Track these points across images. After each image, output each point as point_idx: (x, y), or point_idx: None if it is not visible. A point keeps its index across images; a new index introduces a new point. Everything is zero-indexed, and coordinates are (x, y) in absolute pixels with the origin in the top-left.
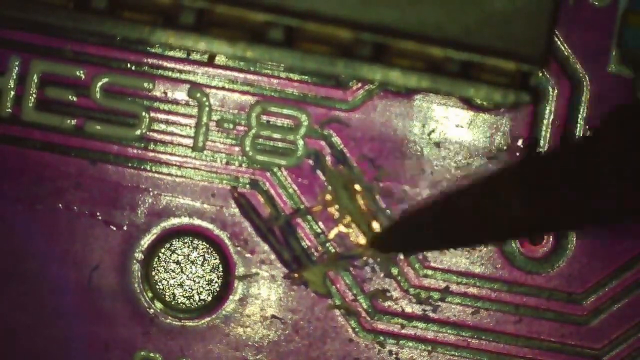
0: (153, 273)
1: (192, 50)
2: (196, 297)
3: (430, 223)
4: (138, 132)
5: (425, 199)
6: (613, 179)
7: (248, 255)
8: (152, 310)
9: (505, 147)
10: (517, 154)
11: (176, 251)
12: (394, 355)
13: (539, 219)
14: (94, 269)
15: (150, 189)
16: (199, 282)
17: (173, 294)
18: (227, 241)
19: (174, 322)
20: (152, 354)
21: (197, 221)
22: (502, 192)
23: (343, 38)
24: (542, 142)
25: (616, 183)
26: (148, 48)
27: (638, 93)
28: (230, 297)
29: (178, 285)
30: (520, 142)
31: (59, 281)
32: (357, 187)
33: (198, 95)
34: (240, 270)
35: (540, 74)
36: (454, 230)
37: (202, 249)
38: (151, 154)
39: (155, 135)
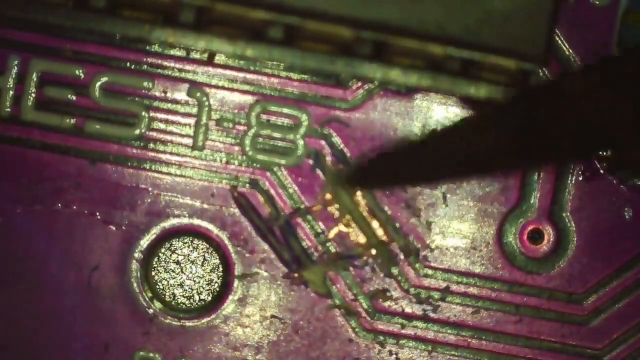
0: (153, 273)
1: (191, 49)
2: (196, 297)
3: (406, 158)
4: (137, 131)
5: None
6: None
7: (248, 255)
8: (151, 311)
9: None
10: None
11: (176, 251)
12: (394, 355)
13: (511, 154)
14: (93, 269)
15: (149, 189)
16: (199, 282)
17: (173, 294)
18: (226, 241)
19: (173, 322)
20: (151, 354)
21: (196, 221)
22: (475, 125)
23: (343, 36)
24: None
25: (583, 121)
26: (147, 47)
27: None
28: (230, 297)
29: (178, 285)
30: None
31: (58, 281)
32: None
33: (198, 94)
34: (239, 270)
35: (541, 73)
36: (429, 164)
37: (202, 249)
38: (151, 154)
39: (154, 134)
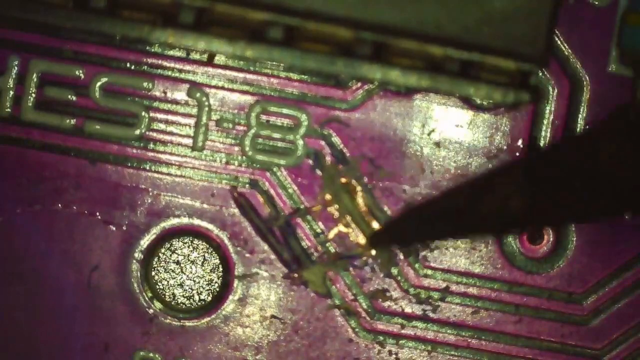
0: (153, 273)
1: (191, 50)
2: (196, 297)
3: (429, 218)
4: (137, 131)
5: (425, 195)
6: (611, 176)
7: (248, 255)
8: (151, 310)
9: (505, 147)
10: (517, 153)
11: (176, 251)
12: (394, 356)
13: (538, 214)
14: (93, 269)
15: (149, 189)
16: (199, 282)
17: (173, 294)
18: (226, 241)
19: (173, 322)
20: (151, 354)
21: (196, 221)
22: (501, 187)
23: (343, 37)
24: (541, 141)
25: (613, 180)
26: (147, 47)
27: (638, 93)
28: (230, 297)
29: (178, 285)
30: (520, 142)
31: (58, 281)
32: (357, 187)
33: (198, 94)
34: (239, 270)
35: (540, 74)
36: (453, 225)
37: (202, 249)
38: (151, 154)
39: (154, 135)
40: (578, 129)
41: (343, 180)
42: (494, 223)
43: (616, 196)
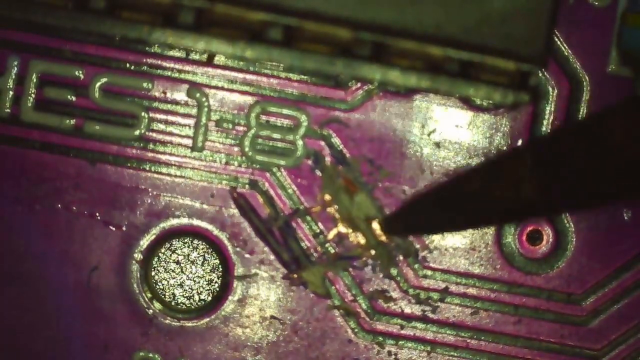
0: (153, 273)
1: (191, 50)
2: (196, 297)
3: (440, 205)
4: (137, 132)
5: (435, 182)
6: (621, 161)
7: (247, 255)
8: (151, 311)
9: (505, 148)
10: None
11: (176, 251)
12: (393, 356)
13: (550, 202)
14: (93, 270)
15: (149, 189)
16: (199, 282)
17: (173, 294)
18: (226, 241)
19: (172, 323)
20: (151, 355)
21: (196, 221)
22: (512, 173)
23: (342, 37)
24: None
25: (624, 165)
26: (147, 48)
27: (638, 92)
28: (230, 297)
29: (178, 285)
30: (519, 143)
31: (58, 281)
32: (357, 187)
33: (197, 95)
34: (239, 270)
35: (540, 74)
36: (463, 212)
37: (202, 249)
38: (150, 154)
39: (154, 135)
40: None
41: (343, 180)
42: (507, 209)
43: (628, 179)
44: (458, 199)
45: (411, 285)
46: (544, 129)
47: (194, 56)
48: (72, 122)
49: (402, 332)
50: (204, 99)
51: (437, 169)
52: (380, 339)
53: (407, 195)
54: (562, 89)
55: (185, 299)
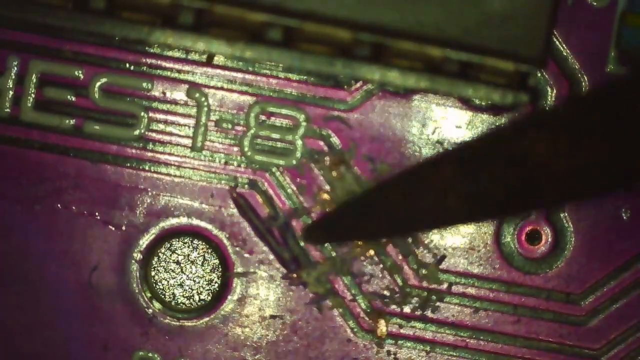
0: (153, 273)
1: (190, 50)
2: (196, 297)
3: (363, 214)
4: (137, 132)
5: (361, 191)
6: (542, 175)
7: (247, 255)
8: (150, 311)
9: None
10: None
11: (176, 251)
12: (393, 356)
13: (475, 210)
14: (92, 269)
15: (149, 189)
16: (199, 282)
17: (173, 294)
18: (225, 241)
19: (172, 323)
20: (150, 354)
21: (195, 221)
22: (435, 185)
23: (342, 38)
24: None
25: (545, 179)
26: (147, 48)
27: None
28: (229, 297)
29: (178, 285)
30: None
31: (57, 281)
32: (356, 187)
33: (197, 95)
34: (238, 270)
35: (539, 74)
36: (387, 221)
37: (202, 249)
38: (150, 154)
39: (154, 135)
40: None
41: (342, 180)
42: (431, 218)
43: (550, 192)
44: (381, 208)
45: (410, 284)
46: None
47: (194, 56)
48: (72, 122)
49: (401, 331)
50: (203, 99)
51: None
52: (380, 338)
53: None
54: (561, 89)
55: (185, 299)
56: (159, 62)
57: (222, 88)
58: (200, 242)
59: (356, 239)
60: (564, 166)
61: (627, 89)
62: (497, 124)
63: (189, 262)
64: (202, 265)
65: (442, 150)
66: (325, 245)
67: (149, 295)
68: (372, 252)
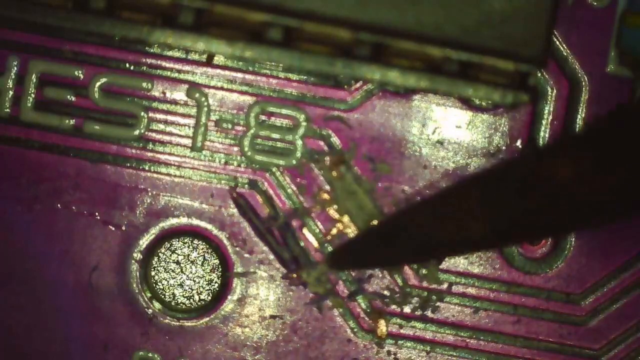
0: (153, 273)
1: (190, 50)
2: (196, 297)
3: (385, 241)
4: (137, 132)
5: (382, 216)
6: (566, 201)
7: (247, 255)
8: (150, 311)
9: (504, 147)
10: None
11: (176, 251)
12: (393, 356)
13: (498, 239)
14: (92, 269)
15: (149, 189)
16: (199, 282)
17: (173, 294)
18: (225, 241)
19: (172, 323)
20: (150, 354)
21: (195, 221)
22: (459, 212)
23: (342, 38)
24: (540, 142)
25: (569, 205)
26: (147, 48)
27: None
28: (229, 297)
29: (178, 285)
30: (519, 143)
31: (57, 281)
32: (356, 187)
33: (197, 95)
34: (238, 270)
35: (539, 74)
36: (409, 247)
37: (202, 249)
38: (150, 154)
39: (153, 135)
40: (577, 129)
41: (342, 180)
42: (454, 245)
43: (575, 217)
44: (404, 234)
45: (410, 284)
46: (542, 129)
47: (194, 56)
48: (72, 122)
49: (402, 331)
50: (203, 99)
51: (436, 168)
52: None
53: (406, 197)
54: (561, 89)
55: (185, 299)
56: (159, 62)
57: (222, 88)
58: (200, 242)
59: (379, 266)
60: (586, 191)
61: None
62: (520, 149)
63: (189, 262)
64: (202, 265)
65: (466, 176)
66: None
67: (149, 295)
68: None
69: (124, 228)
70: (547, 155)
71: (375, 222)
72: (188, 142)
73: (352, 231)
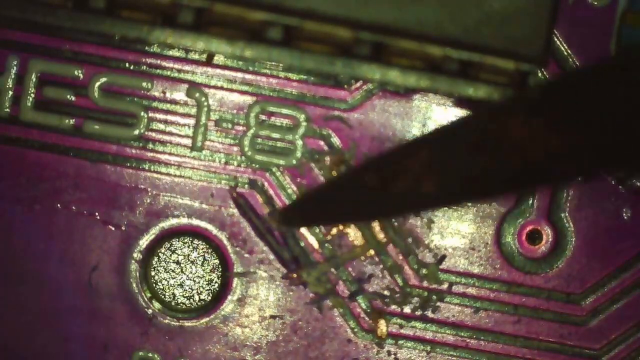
0: (153, 273)
1: (190, 50)
2: (196, 297)
3: (337, 198)
4: (136, 131)
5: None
6: (518, 160)
7: (247, 255)
8: (150, 311)
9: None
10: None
11: (176, 251)
12: (393, 356)
13: (451, 195)
14: (92, 269)
15: (148, 189)
16: (199, 282)
17: (173, 294)
18: (225, 241)
19: (172, 323)
20: (150, 354)
21: (195, 221)
22: (410, 170)
23: (342, 37)
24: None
25: (521, 164)
26: (146, 47)
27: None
28: (229, 297)
29: (178, 285)
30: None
31: (57, 281)
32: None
33: (197, 94)
34: (238, 270)
35: (540, 74)
36: (361, 205)
37: (202, 249)
38: (150, 154)
39: (153, 135)
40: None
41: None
42: (406, 203)
43: (525, 177)
44: (357, 191)
45: (411, 284)
46: None
47: (194, 56)
48: (72, 121)
49: (402, 331)
50: (203, 99)
51: None
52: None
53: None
54: None
55: (185, 299)
56: (158, 61)
57: (222, 87)
58: (200, 242)
59: (331, 222)
60: (539, 150)
61: (603, 75)
62: (473, 109)
63: (189, 262)
64: (202, 265)
65: (418, 135)
66: (316, 229)
67: (149, 295)
68: (372, 252)
69: (123, 228)
70: (500, 115)
71: (323, 180)
72: (188, 142)
73: (352, 231)
